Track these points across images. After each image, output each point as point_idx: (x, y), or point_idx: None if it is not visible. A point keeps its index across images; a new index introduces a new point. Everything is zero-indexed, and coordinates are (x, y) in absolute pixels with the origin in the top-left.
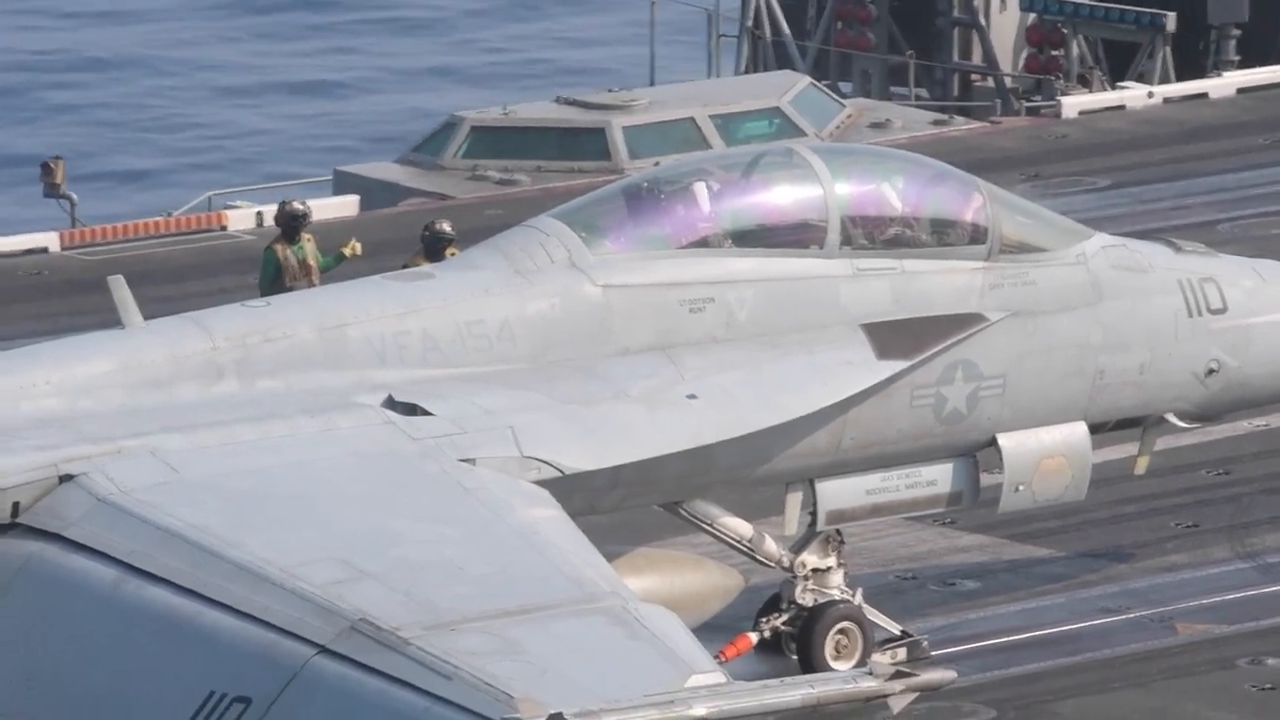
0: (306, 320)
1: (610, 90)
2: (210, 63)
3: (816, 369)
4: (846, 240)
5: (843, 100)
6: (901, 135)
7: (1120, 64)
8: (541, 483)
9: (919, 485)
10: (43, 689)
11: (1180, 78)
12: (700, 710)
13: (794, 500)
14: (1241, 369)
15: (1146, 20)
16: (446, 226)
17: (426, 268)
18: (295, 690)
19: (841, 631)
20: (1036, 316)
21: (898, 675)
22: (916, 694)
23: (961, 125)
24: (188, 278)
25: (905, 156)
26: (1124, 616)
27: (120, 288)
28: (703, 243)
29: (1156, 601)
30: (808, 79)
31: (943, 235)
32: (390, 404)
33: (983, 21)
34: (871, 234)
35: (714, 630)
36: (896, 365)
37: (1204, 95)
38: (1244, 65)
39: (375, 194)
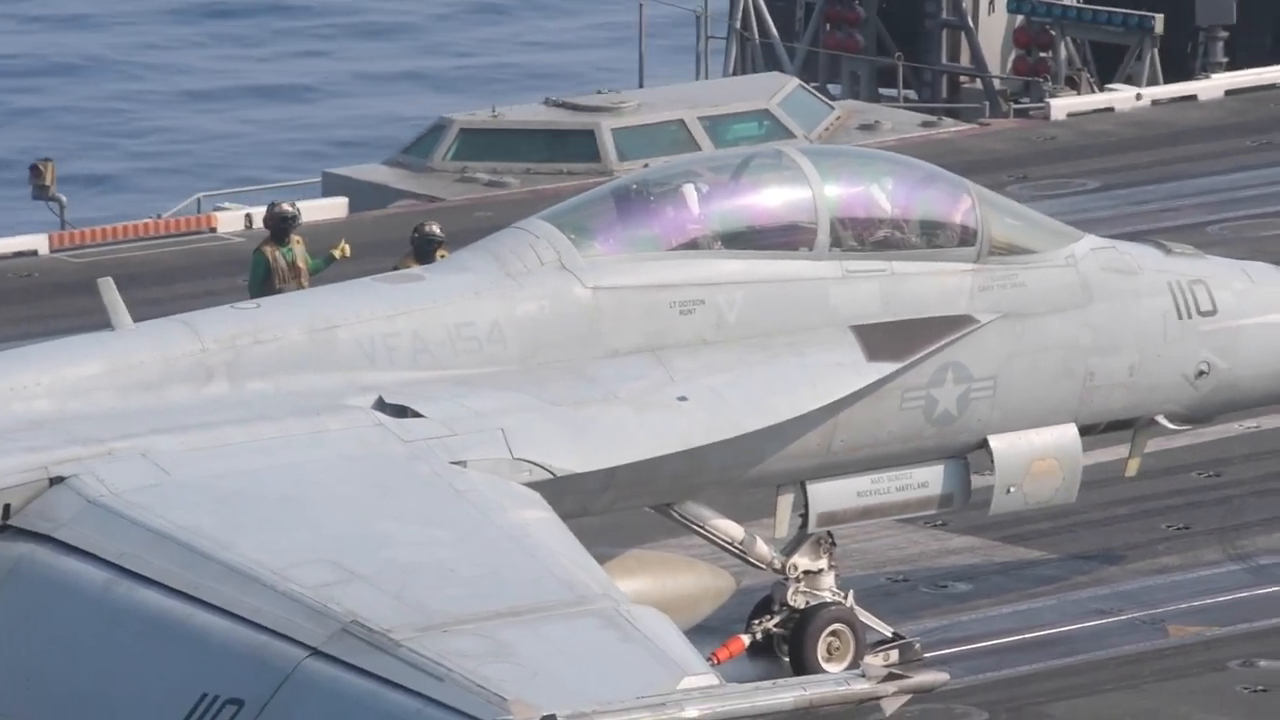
0: (296, 322)
1: (599, 92)
2: (176, 67)
3: (806, 371)
4: (836, 242)
5: (831, 102)
6: (890, 137)
7: (1108, 66)
8: (532, 485)
9: (910, 487)
10: (33, 691)
11: (1168, 80)
12: (692, 712)
13: (785, 502)
14: (1231, 371)
15: (1134, 22)
16: (436, 228)
17: (416, 270)
18: (287, 692)
19: (833, 633)
20: (1026, 318)
21: (890, 677)
22: (909, 696)
23: (950, 127)
24: (177, 280)
25: (894, 158)
26: (1116, 618)
27: (110, 290)
28: (692, 244)
29: (1148, 603)
30: (796, 81)
31: (932, 237)
32: (381, 406)
33: (971, 23)
34: (861, 236)
35: (706, 632)
36: (887, 367)
37: (1192, 97)
38: (1232, 67)
39: (364, 196)
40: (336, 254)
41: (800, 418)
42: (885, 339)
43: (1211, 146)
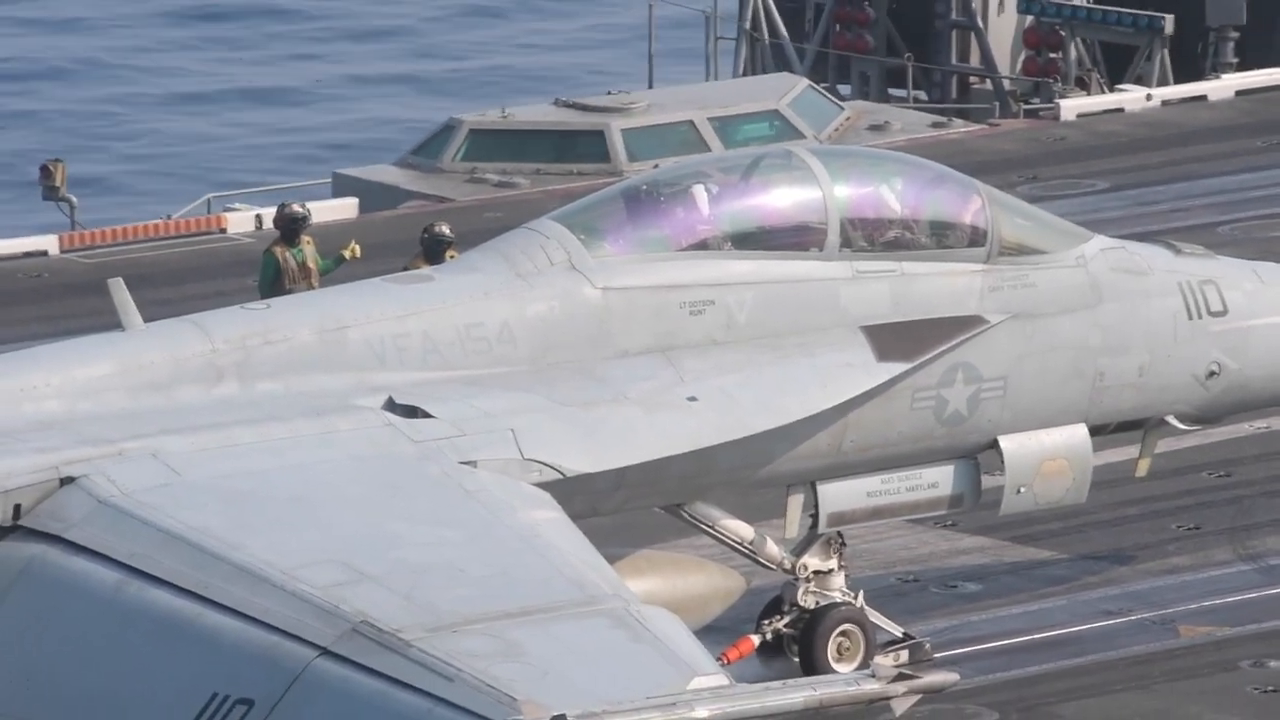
0: (306, 323)
1: (609, 93)
2: (168, 70)
3: (816, 371)
4: (846, 242)
5: (841, 103)
6: (900, 137)
7: (1118, 66)
8: (542, 485)
9: (920, 487)
10: (44, 691)
11: (1178, 80)
12: (702, 712)
13: (795, 502)
14: (1242, 371)
15: (1145, 23)
16: (446, 229)
17: (426, 270)
18: (297, 692)
19: (843, 634)
20: (1036, 319)
21: (900, 677)
22: (919, 696)
23: (960, 127)
24: (187, 280)
25: (904, 159)
26: (1126, 619)
27: (120, 290)
28: (702, 245)
29: (1158, 604)
30: (806, 81)
31: (942, 238)
32: (390, 406)
33: (981, 24)
34: (871, 236)
35: (716, 632)
36: (897, 368)
37: (1202, 98)
38: (1242, 68)
39: (374, 196)
40: (346, 254)
41: (810, 418)
42: (895, 339)
43: (1222, 147)
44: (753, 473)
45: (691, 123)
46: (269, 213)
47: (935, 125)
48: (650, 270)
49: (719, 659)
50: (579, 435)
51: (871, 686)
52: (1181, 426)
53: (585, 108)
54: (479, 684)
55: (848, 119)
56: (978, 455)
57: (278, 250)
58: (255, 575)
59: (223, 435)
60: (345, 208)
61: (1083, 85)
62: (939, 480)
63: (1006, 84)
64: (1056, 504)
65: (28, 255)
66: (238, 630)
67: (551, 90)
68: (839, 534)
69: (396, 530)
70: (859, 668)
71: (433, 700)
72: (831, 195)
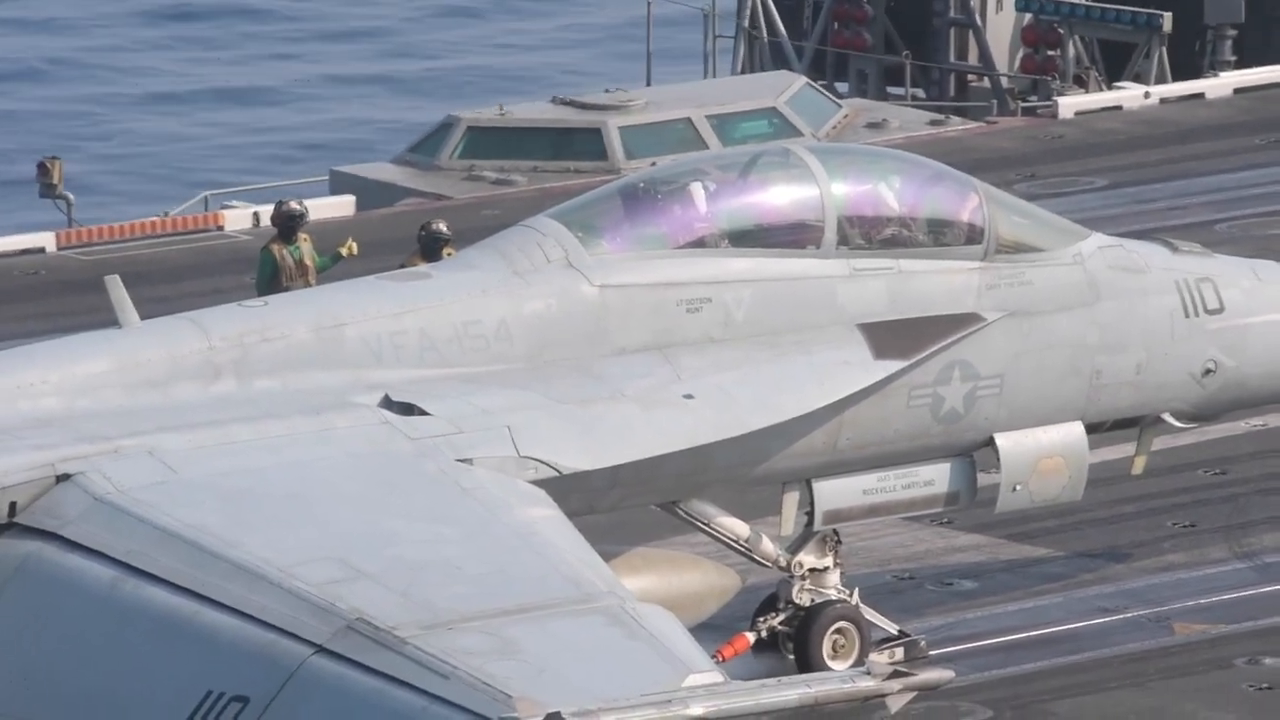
0: (303, 320)
1: (607, 90)
2: (143, 70)
3: (813, 369)
4: (843, 240)
5: (839, 100)
6: (898, 135)
7: (1116, 64)
8: (539, 482)
9: (916, 485)
10: (39, 688)
11: (1176, 78)
12: (698, 710)
13: (791, 500)
14: (1239, 369)
15: (1143, 20)
16: (443, 226)
17: (423, 268)
18: (293, 689)
19: (838, 631)
20: (1033, 317)
21: (895, 675)
22: (914, 693)
23: (958, 125)
24: (184, 278)
25: (902, 156)
26: (1121, 616)
27: (117, 287)
28: (699, 243)
29: (1154, 601)
30: (804, 79)
31: (939, 235)
32: (387, 404)
33: (979, 22)
34: (868, 234)
35: (711, 630)
36: (893, 365)
37: (1200, 96)
38: (1240, 66)
39: (371, 194)
40: (344, 252)
41: (807, 416)
42: (892, 337)
43: (1219, 145)
44: (749, 470)
45: (689, 120)
46: (266, 210)
47: (933, 123)
48: (647, 268)
49: (714, 656)
50: (576, 433)
51: (866, 684)
52: (1178, 424)
53: (583, 105)
54: (475, 681)
55: (846, 117)
56: (974, 453)
57: (275, 248)
58: (251, 573)
59: (219, 433)
60: (342, 205)
61: (1081, 83)
62: (935, 478)
63: (1004, 82)
64: (1053, 502)
65: (25, 252)
66: (234, 628)
67: (529, 90)
68: (835, 531)
69: (393, 528)
70: (854, 665)
71: (428, 698)
72: (829, 193)
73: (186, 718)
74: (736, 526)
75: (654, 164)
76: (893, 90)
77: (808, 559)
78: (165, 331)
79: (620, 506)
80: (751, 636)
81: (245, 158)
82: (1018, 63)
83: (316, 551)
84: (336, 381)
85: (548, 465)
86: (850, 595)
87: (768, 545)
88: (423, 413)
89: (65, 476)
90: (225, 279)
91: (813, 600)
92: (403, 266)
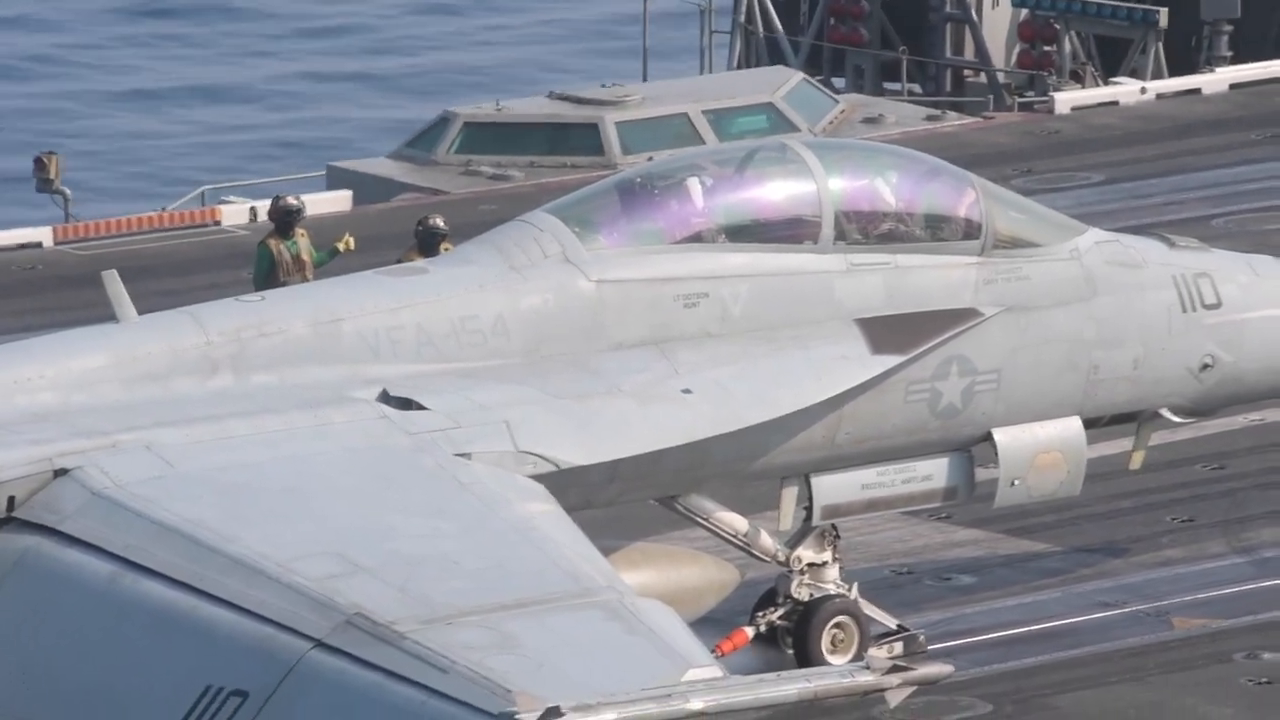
0: (301, 315)
1: (604, 85)
2: (118, 67)
3: (811, 364)
4: (840, 235)
5: (836, 96)
6: (894, 130)
7: (1113, 60)
8: (537, 477)
9: (914, 480)
10: (38, 684)
11: (1173, 73)
12: (697, 704)
13: (789, 495)
14: (1236, 364)
15: (1139, 16)
16: (440, 221)
17: (420, 263)
18: (291, 684)
19: (837, 626)
20: (1030, 312)
21: (894, 669)
22: (913, 688)
23: (954, 121)
24: (182, 272)
25: (899, 152)
26: (1120, 611)
27: (114, 282)
28: (696, 238)
29: (1152, 596)
30: (801, 74)
31: (936, 230)
32: (385, 398)
33: (975, 17)
34: (865, 229)
35: (710, 625)
36: (891, 360)
37: (1197, 91)
38: (1236, 61)
39: (369, 189)
40: (341, 247)
41: (805, 410)
42: (889, 332)
43: (1216, 140)
44: (747, 465)
45: (686, 115)
46: (263, 205)
47: (930, 118)
48: (644, 263)
49: (713, 651)
50: (573, 427)
51: (866, 678)
52: (1175, 419)
53: (579, 100)
54: (474, 676)
55: (842, 112)
56: (972, 448)
57: (272, 243)
58: (250, 567)
59: (217, 427)
60: (339, 200)
61: (1077, 78)
62: (933, 473)
63: (1001, 77)
64: (1050, 496)
65: (22, 247)
66: (232, 622)
67: (511, 87)
68: (833, 526)
69: (391, 522)
70: (853, 660)
71: (427, 692)
72: (826, 188)
73: (185, 712)
74: (735, 521)
75: (651, 159)
76: (889, 85)
77: (806, 554)
78: (162, 326)
79: (618, 501)
80: (751, 631)
81: (225, 155)
82: (1014, 58)
83: (315, 546)
84: (334, 376)
85: (546, 460)
86: (849, 590)
87: (766, 540)
88: (420, 407)
89: (63, 471)
90: (222, 274)
91: (812, 595)
92: (400, 261)
